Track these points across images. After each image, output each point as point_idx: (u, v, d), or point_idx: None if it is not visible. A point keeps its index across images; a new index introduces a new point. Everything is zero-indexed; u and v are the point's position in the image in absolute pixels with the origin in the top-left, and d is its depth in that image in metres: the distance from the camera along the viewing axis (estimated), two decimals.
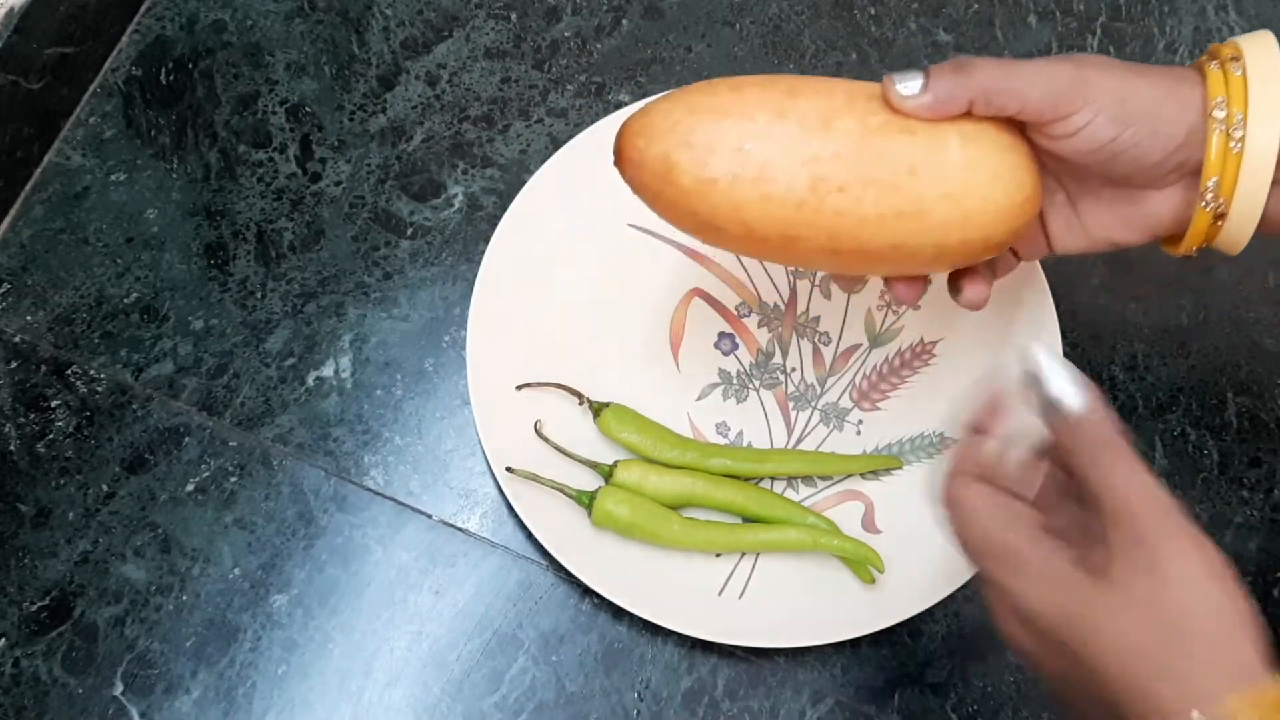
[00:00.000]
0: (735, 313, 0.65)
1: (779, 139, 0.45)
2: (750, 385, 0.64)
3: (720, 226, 0.47)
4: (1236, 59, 0.47)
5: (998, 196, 0.47)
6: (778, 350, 0.64)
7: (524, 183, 0.65)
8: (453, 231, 0.67)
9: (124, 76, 0.70)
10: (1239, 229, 0.48)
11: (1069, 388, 0.43)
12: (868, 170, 0.46)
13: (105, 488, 0.62)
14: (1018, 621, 0.43)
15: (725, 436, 0.63)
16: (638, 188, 0.48)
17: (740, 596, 0.59)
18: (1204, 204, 0.47)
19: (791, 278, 0.65)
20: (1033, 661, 0.43)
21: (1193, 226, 0.48)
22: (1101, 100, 0.46)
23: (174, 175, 0.68)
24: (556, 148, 0.66)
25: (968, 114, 0.47)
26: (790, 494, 0.61)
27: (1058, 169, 0.50)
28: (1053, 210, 0.52)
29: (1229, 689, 0.39)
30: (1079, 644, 0.41)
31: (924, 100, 0.46)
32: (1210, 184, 0.47)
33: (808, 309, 0.65)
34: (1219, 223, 0.48)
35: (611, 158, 0.49)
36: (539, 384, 0.62)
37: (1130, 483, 0.41)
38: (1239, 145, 0.46)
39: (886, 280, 0.52)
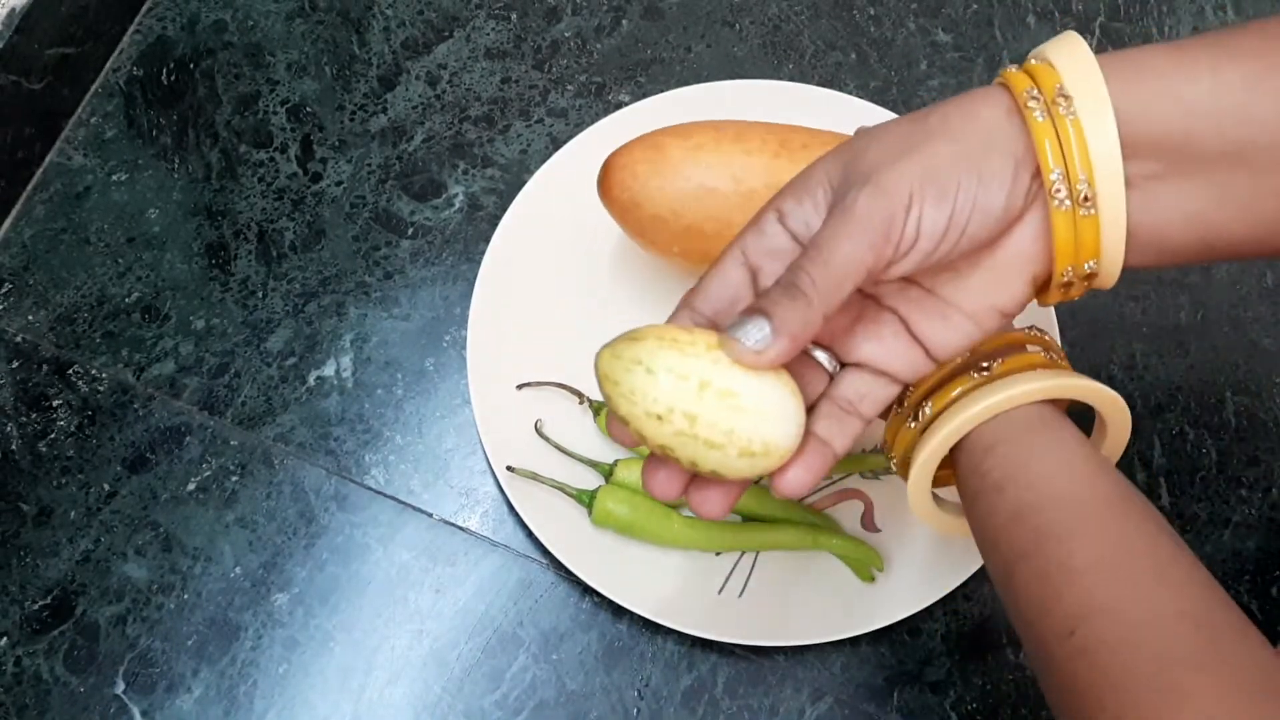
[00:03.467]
0: None
1: None
2: None
3: None
4: (1037, 58, 0.41)
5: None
6: None
7: (524, 183, 0.65)
8: (453, 231, 0.67)
9: (125, 76, 0.70)
10: (1107, 237, 0.41)
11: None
12: None
13: (107, 487, 0.62)
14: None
15: None
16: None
17: (740, 595, 0.59)
18: (1057, 204, 0.40)
19: None
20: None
21: (1057, 238, 0.41)
22: (910, 196, 0.40)
23: (175, 175, 0.68)
24: (557, 148, 0.66)
25: None
26: None
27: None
28: (916, 309, 0.44)
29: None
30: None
31: (779, 348, 0.40)
32: (1055, 177, 0.40)
33: None
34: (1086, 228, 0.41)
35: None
36: (539, 383, 0.62)
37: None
38: (1072, 120, 0.39)
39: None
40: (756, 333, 0.40)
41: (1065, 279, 0.42)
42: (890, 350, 0.45)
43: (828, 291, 0.40)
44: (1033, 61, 0.41)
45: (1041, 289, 0.44)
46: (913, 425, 0.45)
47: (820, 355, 0.45)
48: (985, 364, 0.44)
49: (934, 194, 0.40)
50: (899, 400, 0.46)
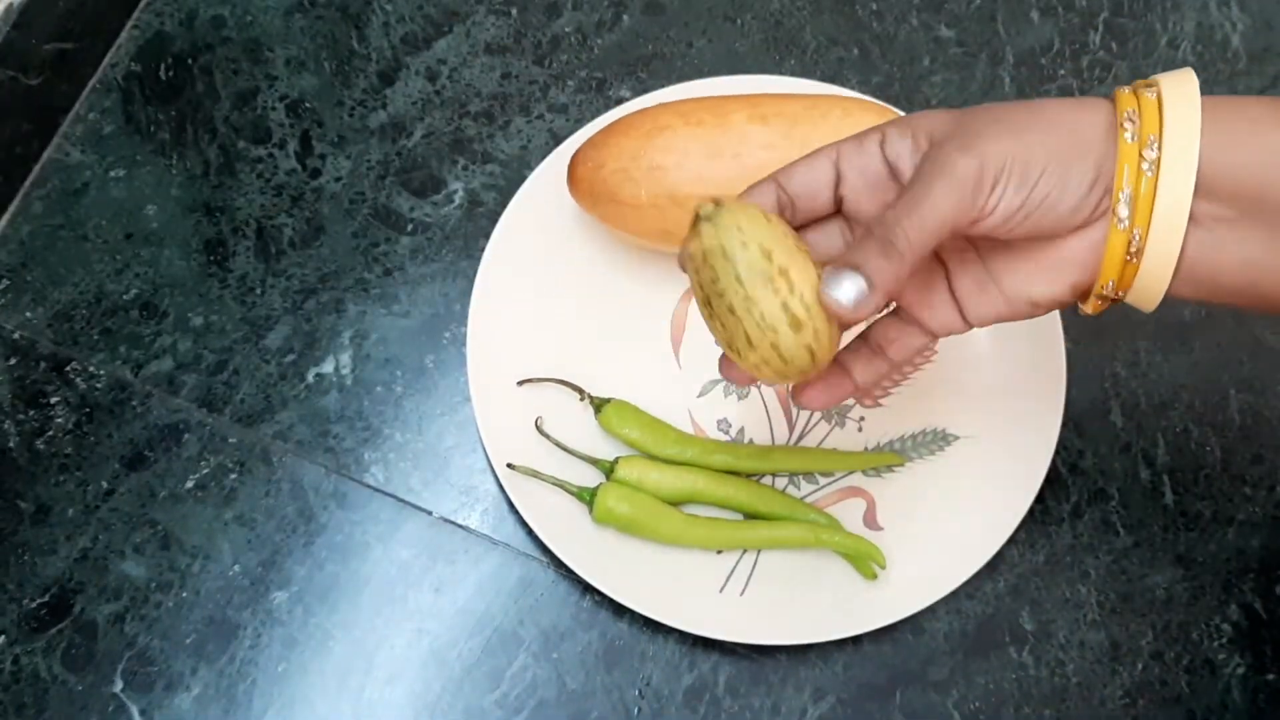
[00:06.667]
0: None
1: None
2: None
3: None
4: (1151, 86, 0.43)
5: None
6: None
7: (525, 179, 0.65)
8: (453, 228, 0.67)
9: (123, 72, 0.70)
10: (1155, 267, 0.43)
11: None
12: None
13: (105, 484, 0.61)
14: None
15: (726, 433, 0.62)
16: None
17: (741, 593, 0.59)
18: (1118, 222, 0.43)
19: None
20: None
21: (1107, 252, 0.43)
22: (1000, 171, 0.42)
23: (173, 171, 0.68)
24: (557, 143, 0.66)
25: None
26: (792, 491, 0.61)
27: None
28: (962, 270, 0.47)
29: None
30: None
31: (875, 301, 0.42)
32: (1123, 197, 0.42)
33: None
34: (1134, 260, 0.43)
35: None
36: (540, 380, 0.62)
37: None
38: (1152, 169, 0.42)
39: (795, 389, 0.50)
40: (853, 288, 0.42)
41: (1105, 292, 0.45)
42: (931, 304, 0.47)
43: (919, 246, 0.42)
44: (1147, 91, 0.43)
45: (1083, 297, 0.46)
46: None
47: None
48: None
49: (1019, 177, 0.42)
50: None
